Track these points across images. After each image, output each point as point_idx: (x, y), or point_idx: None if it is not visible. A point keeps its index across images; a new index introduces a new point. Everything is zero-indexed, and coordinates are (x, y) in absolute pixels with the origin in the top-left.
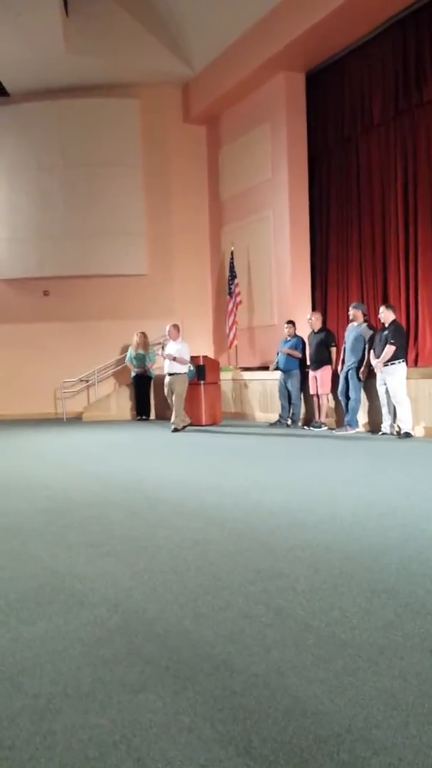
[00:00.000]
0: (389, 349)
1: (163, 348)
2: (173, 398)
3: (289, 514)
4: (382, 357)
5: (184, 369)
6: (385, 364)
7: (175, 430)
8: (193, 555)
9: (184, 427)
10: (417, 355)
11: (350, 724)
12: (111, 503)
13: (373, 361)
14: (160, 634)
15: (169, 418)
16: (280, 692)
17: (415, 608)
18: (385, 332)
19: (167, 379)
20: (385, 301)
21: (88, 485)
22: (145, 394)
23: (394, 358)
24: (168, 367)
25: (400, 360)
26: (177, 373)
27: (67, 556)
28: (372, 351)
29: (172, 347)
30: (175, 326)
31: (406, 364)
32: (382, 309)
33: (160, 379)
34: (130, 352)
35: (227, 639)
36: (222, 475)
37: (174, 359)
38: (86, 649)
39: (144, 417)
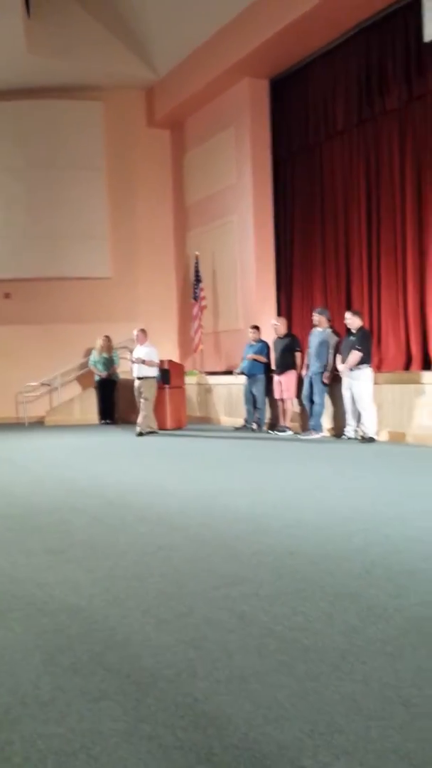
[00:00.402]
0: (356, 355)
1: (130, 352)
2: (142, 402)
3: (254, 519)
4: (348, 362)
5: (153, 373)
6: (351, 369)
7: (140, 434)
8: (156, 561)
9: (150, 432)
10: (380, 361)
11: (312, 729)
12: (73, 509)
13: (340, 366)
14: (121, 641)
15: (135, 423)
16: (242, 698)
17: (377, 612)
18: (352, 338)
19: (137, 383)
20: (349, 307)
21: (49, 490)
22: (109, 398)
23: (361, 363)
24: (137, 371)
25: (367, 365)
26: (146, 377)
27: (27, 562)
28: (338, 356)
29: (141, 351)
30: (143, 330)
31: (372, 369)
32: (348, 315)
33: (127, 383)
34: (94, 356)
35: (189, 645)
36: (187, 480)
37: (143, 362)
38: (46, 657)
39: (109, 421)
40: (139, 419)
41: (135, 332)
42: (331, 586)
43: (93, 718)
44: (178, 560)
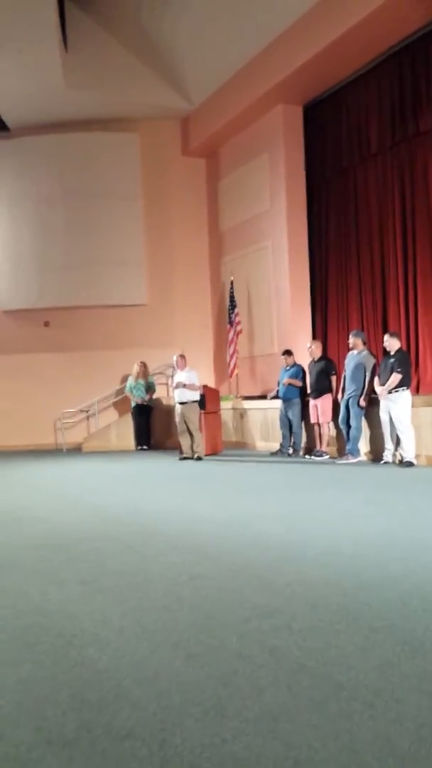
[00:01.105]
0: (395, 377)
1: (170, 378)
2: (190, 428)
3: (288, 547)
4: (387, 384)
5: (195, 397)
6: (390, 392)
7: (198, 458)
8: (187, 591)
9: (198, 458)
10: (418, 383)
11: None
12: (107, 537)
13: (378, 389)
14: (150, 676)
15: (172, 448)
16: (271, 738)
17: (414, 647)
18: (391, 360)
19: (179, 408)
20: (386, 329)
21: (84, 518)
22: (145, 424)
23: (400, 385)
24: (179, 396)
25: (405, 388)
26: (189, 402)
27: (58, 593)
28: (376, 379)
29: (182, 376)
30: (182, 356)
31: (410, 392)
32: (386, 337)
33: (164, 409)
34: (130, 382)
35: (219, 681)
36: (221, 507)
37: (184, 386)
38: (72, 693)
39: (145, 447)
40: (195, 446)
41: (174, 358)
42: (366, 619)
43: (117, 758)
44: (209, 590)
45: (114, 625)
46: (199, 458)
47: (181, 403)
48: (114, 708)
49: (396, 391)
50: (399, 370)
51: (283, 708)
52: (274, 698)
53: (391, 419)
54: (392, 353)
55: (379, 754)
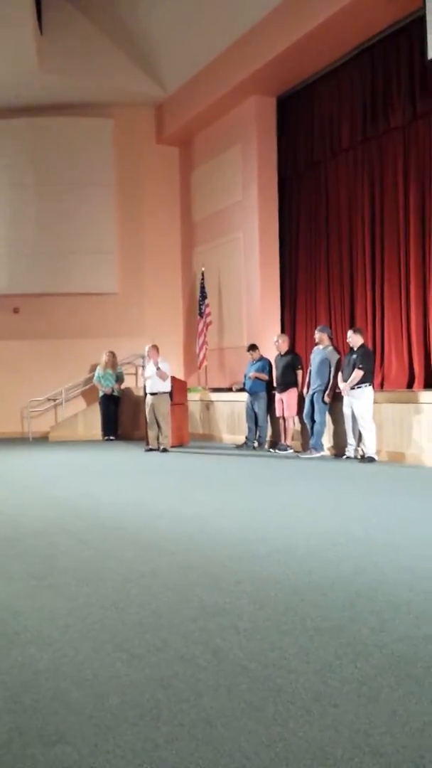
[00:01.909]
0: (357, 374)
1: (140, 368)
2: (159, 419)
3: (244, 544)
4: (349, 381)
5: (166, 388)
6: (352, 388)
7: (164, 450)
8: (137, 589)
9: (164, 449)
10: (383, 379)
11: None
12: (62, 531)
13: (341, 385)
14: (90, 677)
15: (139, 439)
16: (204, 745)
17: (357, 649)
18: (354, 356)
19: (149, 399)
20: (353, 325)
21: (42, 511)
22: (113, 414)
23: (362, 382)
24: (150, 386)
25: (367, 384)
26: (160, 393)
27: (6, 588)
28: (339, 374)
29: (154, 368)
30: (155, 346)
31: (373, 388)
32: (350, 333)
33: (131, 399)
34: (99, 372)
35: (158, 684)
36: (182, 501)
37: (158, 369)
38: (9, 695)
39: (112, 437)
40: (161, 438)
41: (147, 348)
42: (312, 619)
43: (46, 764)
44: (159, 588)
45: (59, 623)
46: (164, 450)
47: (152, 394)
48: (48, 711)
49: (358, 387)
50: (361, 366)
51: (220, 712)
52: (212, 702)
53: (353, 415)
54: (355, 349)
55: (311, 762)
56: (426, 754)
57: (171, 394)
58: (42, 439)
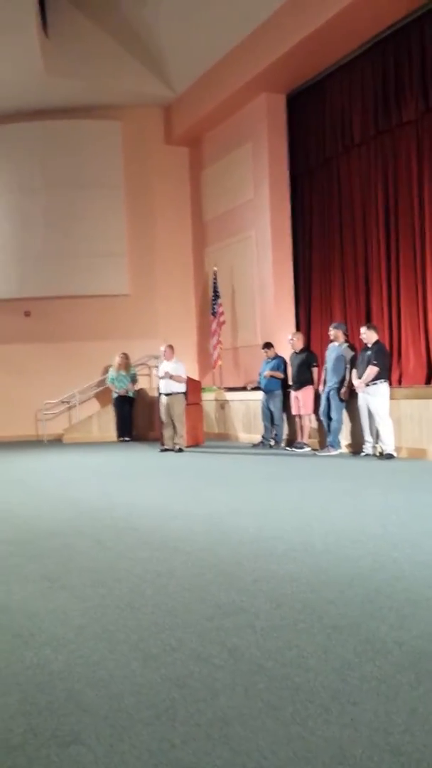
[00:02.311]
0: (371, 370)
1: (154, 369)
2: (174, 419)
3: (259, 543)
4: (364, 377)
5: (181, 388)
6: (368, 385)
7: (179, 450)
8: (152, 589)
9: (180, 449)
10: (400, 375)
11: None
12: (77, 532)
13: (355, 382)
14: (105, 678)
15: (153, 440)
16: (221, 745)
17: (375, 647)
18: (368, 352)
19: (164, 399)
20: (368, 321)
21: (57, 513)
22: (127, 415)
23: (377, 378)
24: (164, 387)
25: (383, 380)
26: (174, 393)
27: (21, 590)
28: (354, 371)
29: (168, 366)
30: (170, 346)
31: (390, 384)
32: (364, 329)
33: (146, 400)
34: (112, 373)
35: (174, 684)
36: (197, 501)
37: (171, 377)
38: (23, 696)
39: (126, 438)
40: (177, 438)
41: (162, 348)
42: (330, 617)
43: (60, 765)
44: (174, 588)
45: (74, 624)
46: (180, 450)
47: (167, 395)
48: (63, 712)
49: (373, 384)
50: (375, 362)
51: (236, 712)
52: (228, 701)
53: (369, 412)
54: (369, 345)
55: (330, 761)
56: None
57: (186, 394)
58: (56, 442)
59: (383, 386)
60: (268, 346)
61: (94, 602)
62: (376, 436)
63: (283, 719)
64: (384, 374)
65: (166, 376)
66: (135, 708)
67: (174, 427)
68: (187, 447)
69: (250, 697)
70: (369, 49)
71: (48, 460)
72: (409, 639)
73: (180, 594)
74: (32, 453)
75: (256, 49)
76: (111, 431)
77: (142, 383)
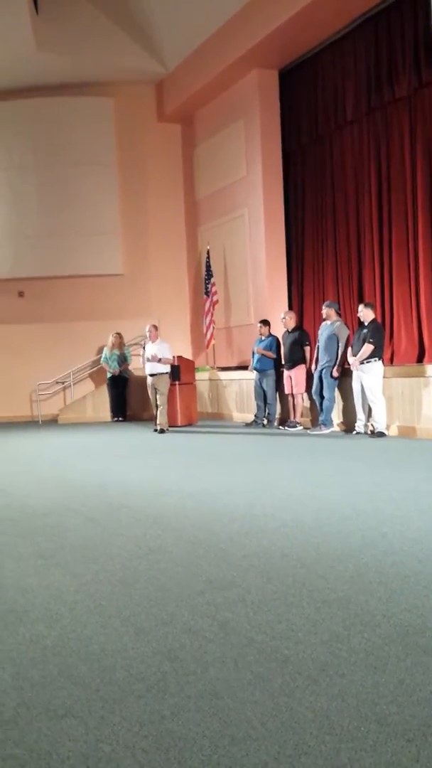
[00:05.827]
0: (367, 348)
1: (143, 349)
2: (158, 399)
3: (251, 519)
4: (359, 355)
5: (165, 369)
6: (362, 362)
7: (161, 431)
8: (144, 565)
9: (167, 428)
10: (393, 354)
11: (279, 751)
12: (70, 510)
13: (350, 359)
14: (97, 652)
15: (148, 419)
16: (211, 716)
17: (364, 620)
18: (364, 330)
19: (149, 380)
20: (361, 300)
21: (50, 492)
22: (121, 395)
23: (371, 356)
24: (150, 368)
25: (377, 358)
26: (159, 373)
27: (15, 567)
28: (350, 349)
29: (153, 348)
30: (155, 326)
31: (383, 363)
32: (361, 307)
33: (139, 380)
34: (105, 353)
35: (165, 656)
36: (190, 479)
37: (159, 360)
38: (16, 671)
39: (121, 418)
40: (159, 417)
41: (147, 328)
42: (320, 591)
43: (53, 738)
44: (166, 564)
45: (67, 599)
46: (161, 431)
47: (151, 375)
48: (56, 686)
49: (367, 362)
50: (371, 340)
51: (226, 684)
52: (218, 674)
53: (363, 390)
54: (366, 323)
55: (317, 732)
56: None
57: (177, 373)
58: (51, 422)
59: (377, 365)
60: (264, 322)
61: (87, 578)
62: (369, 415)
63: (272, 691)
64: (378, 353)
65: (154, 360)
66: (126, 681)
67: (157, 406)
68: (181, 426)
69: (240, 670)
70: (361, 25)
71: (42, 441)
72: (398, 612)
73: (172, 569)
74: (27, 433)
75: (248, 25)
76: (106, 411)
77: (136, 363)
